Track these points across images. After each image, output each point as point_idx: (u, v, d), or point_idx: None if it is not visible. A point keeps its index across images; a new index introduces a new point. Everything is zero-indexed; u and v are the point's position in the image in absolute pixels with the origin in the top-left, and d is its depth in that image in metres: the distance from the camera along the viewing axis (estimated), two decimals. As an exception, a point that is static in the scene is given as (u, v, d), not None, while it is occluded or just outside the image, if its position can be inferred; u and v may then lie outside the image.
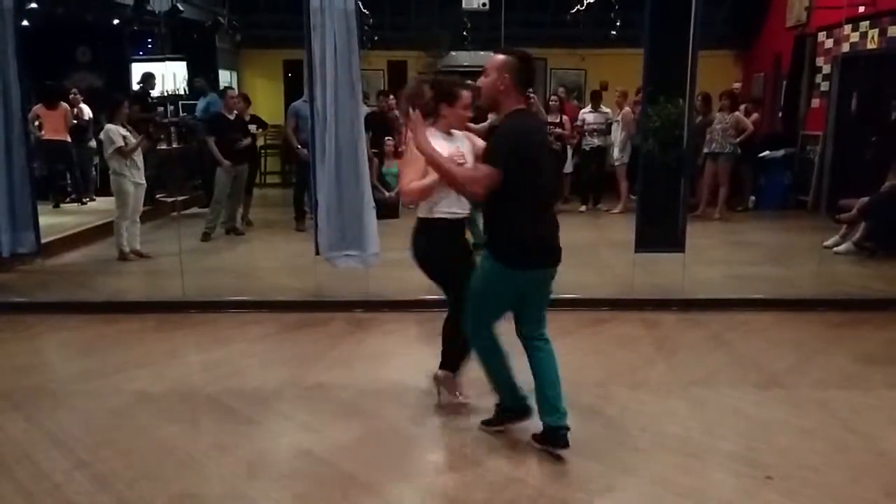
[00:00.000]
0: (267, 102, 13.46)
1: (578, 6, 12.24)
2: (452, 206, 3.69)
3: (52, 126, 9.96)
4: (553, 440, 3.44)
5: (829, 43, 10.50)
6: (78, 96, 10.71)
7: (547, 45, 13.50)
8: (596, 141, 10.57)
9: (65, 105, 10.20)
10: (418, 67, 13.71)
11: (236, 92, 9.14)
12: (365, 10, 10.39)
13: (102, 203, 10.03)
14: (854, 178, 9.02)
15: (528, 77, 3.40)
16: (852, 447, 3.58)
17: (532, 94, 8.23)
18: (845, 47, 9.95)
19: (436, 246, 3.77)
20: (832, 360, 4.81)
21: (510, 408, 3.67)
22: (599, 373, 4.54)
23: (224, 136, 8.53)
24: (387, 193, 9.93)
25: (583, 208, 10.61)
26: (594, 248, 7.82)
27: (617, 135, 10.38)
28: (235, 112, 8.78)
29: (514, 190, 3.25)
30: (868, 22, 9.51)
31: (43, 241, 6.84)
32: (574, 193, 11.15)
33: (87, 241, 8.37)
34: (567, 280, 5.13)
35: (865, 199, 7.64)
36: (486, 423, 3.74)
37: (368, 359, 4.90)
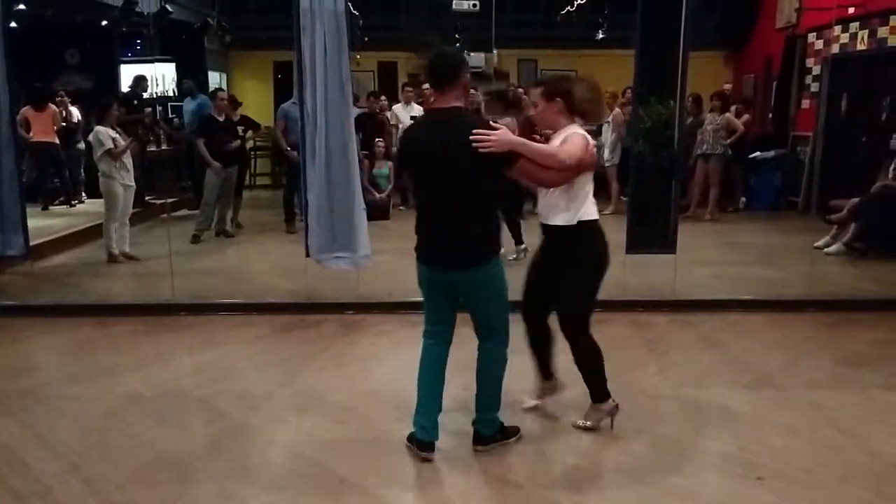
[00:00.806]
0: (256, 104, 13.40)
1: (569, 7, 12.26)
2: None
3: (41, 128, 9.90)
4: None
5: (819, 44, 10.55)
6: (66, 98, 10.66)
7: (537, 45, 13.53)
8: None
9: (53, 107, 10.14)
10: (408, 69, 13.70)
11: (227, 94, 9.10)
12: (355, 12, 10.37)
13: (91, 205, 9.98)
14: (844, 178, 9.06)
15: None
16: (843, 447, 3.59)
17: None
18: (835, 48, 10.00)
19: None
20: (823, 360, 4.83)
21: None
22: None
23: (214, 137, 8.49)
24: (377, 195, 9.93)
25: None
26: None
27: (607, 136, 10.39)
28: (225, 114, 8.75)
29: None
30: (858, 23, 9.56)
31: (32, 243, 6.77)
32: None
33: (77, 243, 8.31)
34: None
35: (856, 199, 7.66)
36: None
37: (360, 360, 4.88)
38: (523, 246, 7.08)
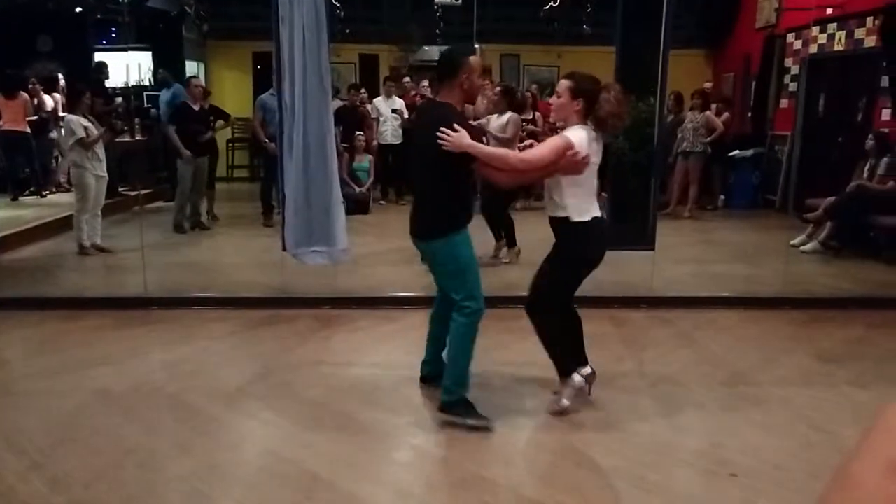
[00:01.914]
0: (235, 95, 13.27)
1: (552, 3, 12.24)
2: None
3: (11, 116, 9.73)
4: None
5: (798, 44, 10.61)
6: (38, 86, 10.47)
7: (520, 41, 13.49)
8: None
9: (24, 95, 9.97)
10: (390, 61, 13.63)
11: (202, 81, 8.95)
12: (336, 3, 10.28)
13: (63, 196, 9.82)
14: (821, 177, 9.13)
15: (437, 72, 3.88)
16: (816, 444, 3.60)
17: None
18: (813, 49, 10.07)
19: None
20: (797, 357, 4.85)
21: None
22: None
23: (187, 126, 8.38)
24: (357, 189, 9.86)
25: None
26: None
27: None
28: (200, 103, 8.65)
29: None
30: (836, 24, 9.62)
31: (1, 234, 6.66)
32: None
33: (46, 235, 8.16)
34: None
35: (831, 198, 7.73)
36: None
37: (336, 356, 4.83)
38: (516, 248, 7.07)
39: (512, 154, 3.72)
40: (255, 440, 3.65)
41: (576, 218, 3.68)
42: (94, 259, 7.25)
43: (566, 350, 3.94)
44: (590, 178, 3.71)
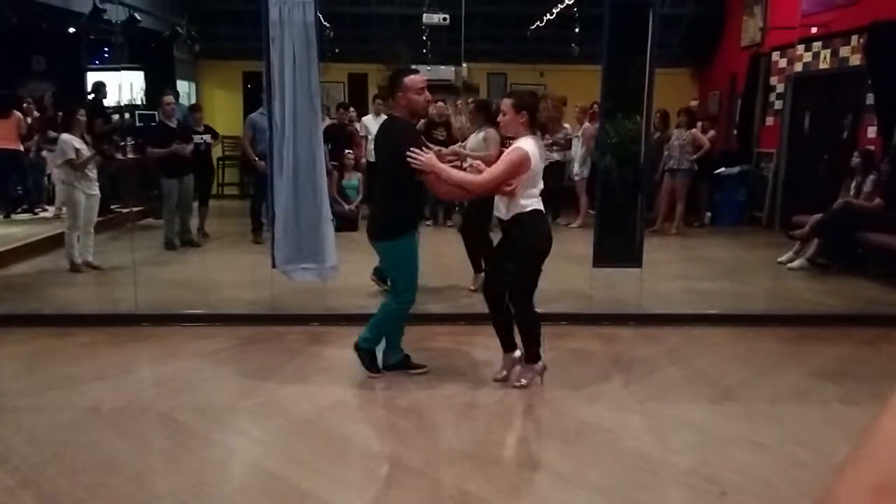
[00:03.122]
0: (226, 114, 13.32)
1: (538, 22, 12.37)
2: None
3: (4, 135, 9.73)
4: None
5: (783, 63, 10.75)
6: (32, 105, 10.49)
7: (507, 60, 13.61)
8: (555, 156, 10.62)
9: (17, 114, 9.98)
10: (378, 80, 13.70)
11: (172, 98, 8.97)
12: (325, 23, 10.37)
13: (55, 213, 9.81)
14: (807, 195, 9.21)
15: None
16: (805, 462, 3.62)
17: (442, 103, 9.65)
18: (798, 67, 10.19)
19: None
20: (785, 374, 4.88)
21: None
22: (556, 388, 4.53)
23: (165, 144, 8.40)
24: (346, 206, 9.89)
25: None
26: (553, 263, 7.76)
27: (577, 150, 10.47)
28: (177, 119, 8.68)
29: None
30: (820, 42, 9.75)
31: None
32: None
33: (38, 252, 8.15)
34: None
35: (818, 215, 7.79)
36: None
37: (325, 373, 4.83)
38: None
39: (473, 179, 4.17)
40: (245, 457, 3.64)
41: (530, 208, 4.19)
42: (86, 276, 7.24)
43: (538, 338, 4.42)
44: (539, 181, 4.24)
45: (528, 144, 4.15)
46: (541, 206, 4.25)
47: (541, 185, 4.27)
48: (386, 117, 4.70)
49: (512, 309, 4.40)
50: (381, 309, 4.60)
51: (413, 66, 4.44)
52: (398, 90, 4.24)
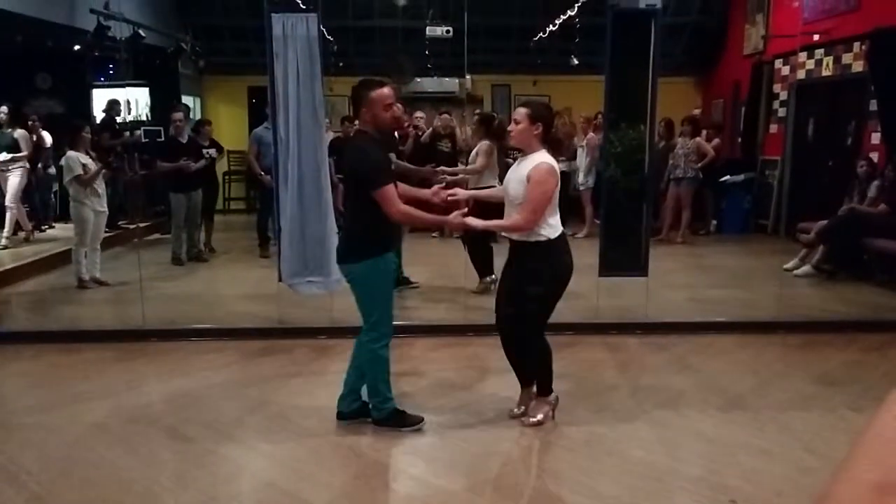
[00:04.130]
0: (231, 128, 13.39)
1: (541, 34, 12.41)
2: None
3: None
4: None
5: (786, 70, 10.76)
6: (38, 122, 10.54)
7: (510, 71, 13.66)
8: (560, 166, 10.61)
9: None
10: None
11: (181, 115, 9.04)
12: (329, 37, 10.42)
13: (61, 230, 9.85)
14: (812, 201, 9.21)
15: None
16: (814, 469, 3.61)
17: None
18: (801, 74, 10.20)
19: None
20: (793, 381, 4.87)
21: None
22: (564, 397, 4.51)
23: (175, 160, 8.46)
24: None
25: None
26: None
27: (582, 160, 10.48)
28: (188, 135, 8.73)
29: None
30: (823, 50, 9.76)
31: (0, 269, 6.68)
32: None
33: (46, 268, 8.19)
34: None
35: (823, 222, 7.79)
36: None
37: (332, 386, 4.80)
38: (492, 277, 6.97)
39: (514, 221, 3.84)
40: (253, 472, 3.65)
41: (551, 235, 3.85)
42: (93, 292, 7.27)
43: (551, 371, 4.13)
44: (556, 200, 3.90)
45: (548, 158, 3.83)
46: (560, 230, 3.91)
47: (556, 207, 3.91)
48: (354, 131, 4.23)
49: (523, 338, 4.07)
50: (364, 365, 4.01)
51: (378, 79, 3.92)
52: (362, 104, 3.79)
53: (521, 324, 3.99)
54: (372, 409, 4.07)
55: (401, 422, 4.04)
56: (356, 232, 3.90)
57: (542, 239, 3.82)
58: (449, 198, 3.99)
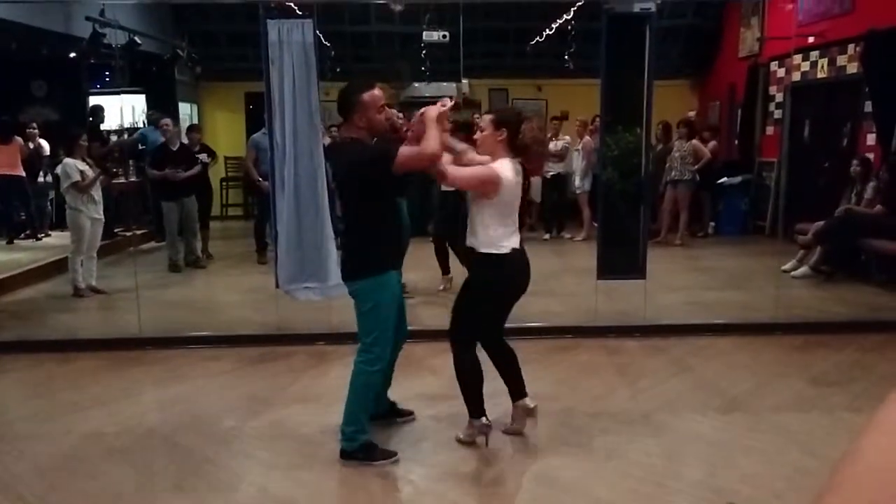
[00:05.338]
0: (228, 135, 13.39)
1: (538, 38, 12.42)
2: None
3: (6, 161, 9.77)
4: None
5: (781, 72, 10.76)
6: (35, 130, 10.55)
7: (507, 75, 13.67)
8: (556, 168, 10.63)
9: (19, 139, 10.03)
10: (380, 99, 13.75)
11: (169, 120, 9.01)
12: (326, 43, 10.42)
13: (58, 238, 9.84)
14: (809, 203, 9.21)
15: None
16: (813, 471, 3.59)
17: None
18: (796, 76, 10.21)
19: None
20: (792, 383, 4.86)
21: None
22: (563, 401, 4.52)
23: (165, 166, 8.44)
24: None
25: (546, 236, 10.66)
26: (558, 276, 7.84)
27: (578, 163, 10.48)
28: (180, 142, 8.72)
29: None
30: (817, 52, 9.77)
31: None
32: (539, 221, 11.18)
33: (42, 277, 8.17)
34: (531, 308, 5.16)
35: (820, 223, 7.79)
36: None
37: (330, 392, 4.79)
38: (449, 275, 7.11)
39: (443, 165, 3.61)
40: (251, 479, 3.63)
41: (494, 251, 3.65)
42: (89, 300, 7.24)
43: (477, 393, 3.82)
44: (513, 214, 3.70)
45: (502, 167, 3.60)
46: (516, 244, 3.70)
47: (515, 221, 3.73)
48: (332, 140, 3.94)
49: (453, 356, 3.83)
50: (352, 383, 3.76)
51: (366, 77, 3.62)
52: (355, 110, 3.56)
53: (454, 331, 3.84)
54: (343, 439, 3.76)
55: (371, 455, 3.72)
56: (356, 246, 3.70)
57: (492, 252, 3.65)
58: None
